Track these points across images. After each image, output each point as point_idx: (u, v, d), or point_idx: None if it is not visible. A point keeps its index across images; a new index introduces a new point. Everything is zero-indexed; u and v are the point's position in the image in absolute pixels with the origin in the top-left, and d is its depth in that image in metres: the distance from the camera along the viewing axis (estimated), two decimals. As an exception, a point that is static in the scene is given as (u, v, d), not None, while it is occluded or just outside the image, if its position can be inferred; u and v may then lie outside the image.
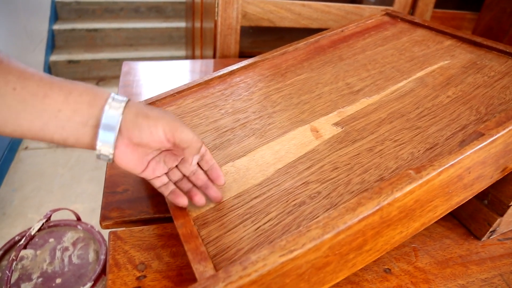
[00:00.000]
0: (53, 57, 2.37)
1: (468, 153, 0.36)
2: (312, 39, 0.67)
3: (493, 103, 0.45)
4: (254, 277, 0.28)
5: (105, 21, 2.63)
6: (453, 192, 0.38)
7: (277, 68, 0.61)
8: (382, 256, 0.43)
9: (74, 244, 0.84)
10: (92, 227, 0.87)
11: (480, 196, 0.47)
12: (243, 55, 1.05)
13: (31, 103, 0.31)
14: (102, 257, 0.80)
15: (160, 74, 0.84)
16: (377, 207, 0.32)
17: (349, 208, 0.32)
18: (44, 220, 0.85)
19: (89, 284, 0.74)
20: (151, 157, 0.38)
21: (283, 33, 1.38)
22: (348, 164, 0.42)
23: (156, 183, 0.39)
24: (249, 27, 1.37)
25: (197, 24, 1.34)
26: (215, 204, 0.40)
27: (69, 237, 0.85)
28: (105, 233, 0.44)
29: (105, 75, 2.49)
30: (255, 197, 0.40)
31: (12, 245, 0.84)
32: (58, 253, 0.81)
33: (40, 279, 0.76)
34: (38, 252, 0.81)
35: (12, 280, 0.74)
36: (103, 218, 0.45)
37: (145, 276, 0.38)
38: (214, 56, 1.03)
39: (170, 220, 0.41)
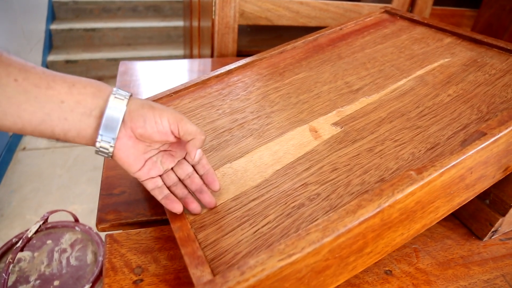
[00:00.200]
0: (51, 57, 2.36)
1: (470, 153, 0.35)
2: (310, 37, 0.66)
3: (495, 102, 0.44)
4: (252, 282, 0.28)
5: (102, 21, 2.62)
6: (455, 193, 0.38)
7: (275, 67, 0.61)
8: (383, 257, 0.43)
9: (72, 245, 0.83)
10: (90, 228, 0.87)
11: (482, 196, 0.46)
12: (241, 54, 1.04)
13: (34, 94, 0.31)
14: (100, 258, 0.79)
15: (157, 74, 0.83)
16: (378, 209, 0.32)
17: (349, 211, 0.31)
18: (41, 222, 0.84)
19: (87, 286, 0.73)
20: (149, 156, 0.38)
21: (281, 32, 1.37)
22: (348, 164, 0.41)
23: (149, 185, 0.39)
24: (247, 26, 1.37)
25: (195, 23, 1.33)
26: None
27: (67, 238, 0.85)
28: (104, 234, 0.43)
29: (103, 75, 2.48)
30: (253, 199, 0.39)
31: (9, 248, 0.83)
32: (55, 255, 0.81)
33: (37, 282, 0.75)
34: (35, 254, 0.81)
35: (10, 283, 0.74)
36: (100, 220, 0.44)
37: (142, 280, 0.38)
38: (212, 55, 1.02)
39: (167, 222, 0.40)
